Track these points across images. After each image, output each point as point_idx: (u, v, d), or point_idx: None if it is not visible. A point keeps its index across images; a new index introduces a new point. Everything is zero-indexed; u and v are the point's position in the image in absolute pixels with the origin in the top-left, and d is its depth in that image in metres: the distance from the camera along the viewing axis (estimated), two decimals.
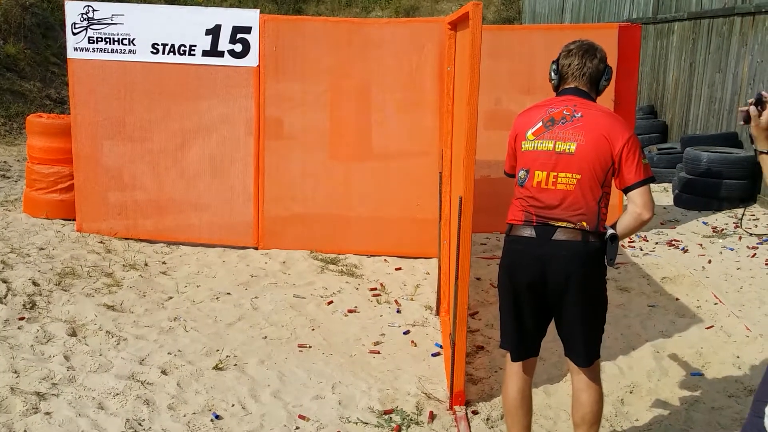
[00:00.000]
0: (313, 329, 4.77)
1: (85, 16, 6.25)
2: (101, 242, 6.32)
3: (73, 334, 4.45)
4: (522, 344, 3.11)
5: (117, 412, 3.60)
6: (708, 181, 8.18)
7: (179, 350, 4.33)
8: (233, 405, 3.74)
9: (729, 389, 4.03)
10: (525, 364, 3.14)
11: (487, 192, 5.71)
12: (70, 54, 6.34)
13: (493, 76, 6.42)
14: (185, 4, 14.46)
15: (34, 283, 5.16)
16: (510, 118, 3.25)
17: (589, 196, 2.88)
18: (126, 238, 6.43)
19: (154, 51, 6.23)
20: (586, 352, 3.01)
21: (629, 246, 6.73)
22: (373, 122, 6.37)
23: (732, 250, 6.64)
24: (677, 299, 5.42)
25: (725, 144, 8.76)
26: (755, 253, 6.50)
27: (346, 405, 3.77)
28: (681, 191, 8.45)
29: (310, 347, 4.49)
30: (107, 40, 6.25)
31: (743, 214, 7.73)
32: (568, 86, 3.03)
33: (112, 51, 6.26)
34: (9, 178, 8.74)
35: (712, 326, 4.88)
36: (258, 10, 6.26)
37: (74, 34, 6.29)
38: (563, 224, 2.90)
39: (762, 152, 2.62)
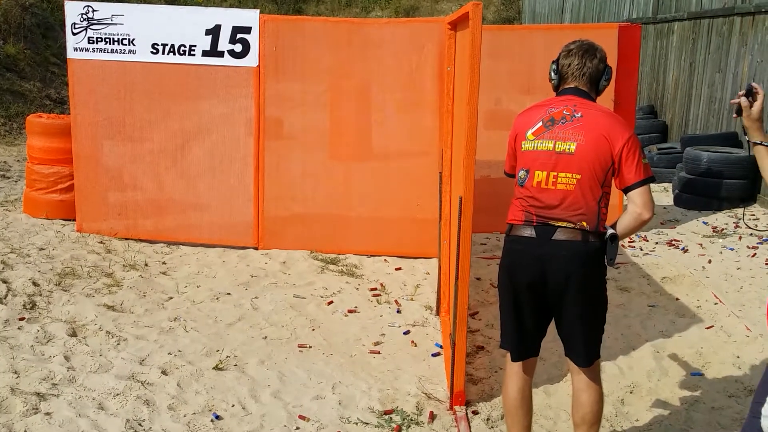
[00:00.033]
0: (313, 329, 4.77)
1: (84, 17, 6.25)
2: (101, 242, 6.32)
3: (74, 334, 4.45)
4: (522, 344, 3.11)
5: (117, 412, 3.60)
6: (708, 181, 8.18)
7: (179, 350, 4.33)
8: (233, 405, 3.74)
9: (729, 389, 4.03)
10: (525, 364, 3.14)
11: (487, 192, 5.72)
12: (70, 54, 6.34)
13: (493, 76, 6.42)
14: (185, 4, 14.46)
15: (34, 284, 5.16)
16: (510, 118, 3.25)
17: (589, 196, 2.87)
18: (126, 238, 6.43)
19: (154, 51, 6.23)
20: (586, 352, 3.01)
21: (629, 246, 6.73)
22: (373, 122, 6.37)
23: (732, 249, 6.64)
24: (677, 299, 5.42)
25: (725, 144, 8.76)
26: (755, 253, 6.50)
27: (346, 405, 3.77)
28: (681, 191, 8.45)
29: (310, 347, 4.49)
30: (107, 40, 6.25)
31: (743, 214, 7.73)
32: (568, 86, 3.03)
33: (112, 51, 6.26)
34: (9, 178, 8.74)
35: (712, 326, 4.88)
36: (258, 10, 6.26)
37: (74, 34, 6.29)
38: (563, 224, 2.90)
39: (756, 143, 2.63)
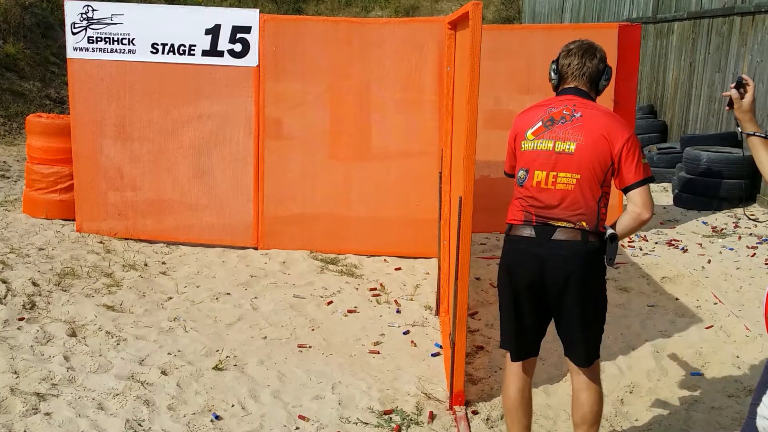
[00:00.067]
0: (312, 329, 4.77)
1: (84, 16, 6.25)
2: (101, 242, 6.32)
3: (73, 334, 4.45)
4: (522, 344, 3.11)
5: (117, 412, 3.60)
6: (708, 181, 8.18)
7: (179, 350, 4.33)
8: (233, 405, 3.74)
9: (728, 389, 4.03)
10: (525, 364, 3.14)
11: (487, 192, 5.72)
12: (70, 54, 6.34)
13: (493, 75, 6.42)
14: (185, 4, 14.45)
15: (34, 284, 5.15)
16: (510, 118, 3.25)
17: (588, 196, 2.87)
18: (126, 239, 6.43)
19: (154, 51, 6.23)
20: (585, 352, 3.01)
21: (629, 246, 6.73)
22: (373, 122, 6.37)
23: (732, 249, 6.64)
24: (677, 299, 5.42)
25: (725, 144, 8.76)
26: (755, 253, 6.50)
27: (345, 405, 3.77)
28: (681, 191, 8.45)
29: (309, 347, 4.49)
30: (107, 39, 6.25)
31: (745, 212, 7.73)
32: (567, 86, 3.03)
33: (112, 51, 6.26)
34: (8, 178, 8.74)
35: (712, 326, 4.88)
36: (258, 10, 6.26)
37: (74, 33, 6.28)
38: (563, 224, 2.90)
39: (749, 134, 2.64)
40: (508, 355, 3.15)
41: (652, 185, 2.92)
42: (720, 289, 5.56)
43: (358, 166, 6.39)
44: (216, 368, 4.12)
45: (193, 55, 6.21)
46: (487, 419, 3.68)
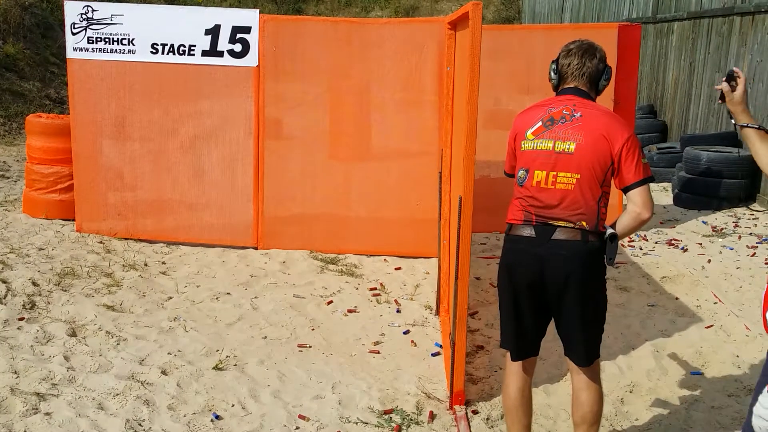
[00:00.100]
0: (312, 329, 4.77)
1: (84, 16, 6.25)
2: (101, 242, 6.32)
3: (73, 334, 4.45)
4: (522, 344, 3.11)
5: (117, 412, 3.60)
6: (708, 181, 8.18)
7: (179, 350, 4.33)
8: (233, 405, 3.74)
9: (729, 388, 4.04)
10: (525, 364, 3.14)
11: (487, 192, 5.71)
12: (70, 54, 6.34)
13: (493, 75, 6.42)
14: (185, 4, 14.45)
15: (34, 284, 5.15)
16: (509, 118, 3.25)
17: (588, 196, 2.88)
18: (126, 238, 6.43)
19: (154, 51, 6.23)
20: (585, 352, 3.01)
21: (629, 245, 6.73)
22: (373, 122, 6.37)
23: (731, 249, 6.64)
24: (677, 298, 5.42)
25: (725, 143, 8.76)
26: (755, 253, 6.50)
27: (346, 405, 3.77)
28: (681, 191, 8.45)
29: (309, 347, 4.49)
30: (107, 40, 6.25)
31: (750, 207, 7.74)
32: (567, 86, 3.03)
33: (112, 51, 6.26)
34: (8, 178, 8.74)
35: (712, 325, 4.88)
36: (257, 10, 6.26)
37: (73, 34, 6.29)
38: (563, 224, 2.90)
39: (743, 126, 2.66)
40: (508, 354, 3.15)
41: (652, 185, 2.93)
42: (720, 289, 5.56)
43: (358, 166, 6.39)
44: (216, 368, 4.12)
45: (193, 55, 6.21)
46: (488, 419, 3.68)
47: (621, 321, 4.94)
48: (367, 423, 3.61)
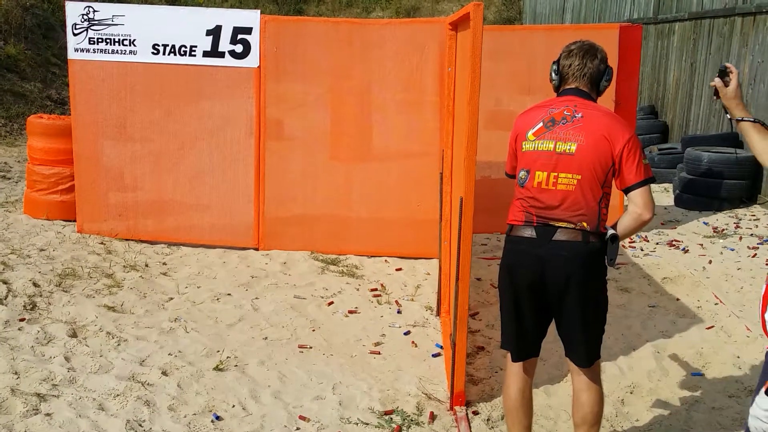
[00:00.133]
0: (313, 330, 4.77)
1: (85, 17, 6.25)
2: (102, 243, 6.32)
3: (74, 335, 4.45)
4: (522, 344, 3.11)
5: (117, 413, 3.60)
6: (709, 182, 8.18)
7: (180, 351, 4.33)
8: (234, 406, 3.74)
9: (729, 389, 4.03)
10: (525, 365, 3.14)
11: (488, 192, 5.71)
12: (71, 55, 6.34)
13: (494, 76, 6.42)
14: (186, 5, 14.47)
15: (35, 284, 5.16)
16: (511, 119, 3.25)
17: (589, 197, 2.87)
18: (127, 239, 6.43)
19: (155, 52, 6.23)
20: (586, 353, 3.01)
21: (630, 246, 6.73)
22: (374, 123, 6.37)
23: (732, 250, 6.64)
24: (678, 299, 5.42)
25: (726, 144, 8.76)
26: (756, 254, 6.50)
27: (346, 405, 3.77)
28: (682, 191, 8.45)
29: (310, 348, 4.49)
30: (108, 40, 6.25)
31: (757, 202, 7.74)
32: (568, 87, 3.03)
33: (113, 52, 6.26)
34: (9, 179, 8.75)
35: (713, 326, 4.88)
36: (259, 11, 6.26)
37: (75, 34, 6.29)
38: (564, 224, 2.90)
39: (738, 120, 2.67)
40: (509, 355, 3.15)
41: (653, 186, 2.92)
42: (721, 290, 5.55)
43: (359, 166, 6.40)
44: (217, 369, 4.12)
45: (194, 56, 6.21)
46: (488, 420, 3.68)
47: (622, 322, 4.94)
48: (367, 424, 3.60)
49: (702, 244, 6.87)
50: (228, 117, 6.33)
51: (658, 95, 11.53)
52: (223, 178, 6.39)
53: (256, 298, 5.28)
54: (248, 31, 6.14)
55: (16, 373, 3.89)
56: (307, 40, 6.18)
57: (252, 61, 6.18)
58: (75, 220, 6.60)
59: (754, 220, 7.75)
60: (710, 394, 3.99)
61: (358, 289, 5.55)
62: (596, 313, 3.01)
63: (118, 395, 3.75)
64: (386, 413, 3.70)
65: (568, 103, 2.97)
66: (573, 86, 3.01)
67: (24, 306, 4.79)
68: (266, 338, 4.61)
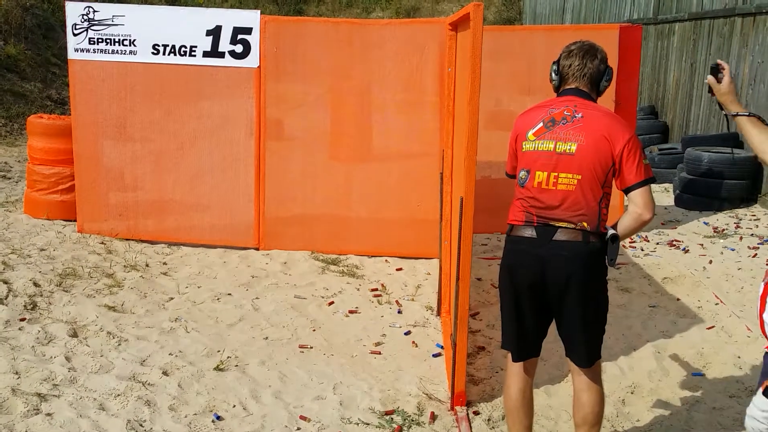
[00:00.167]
0: (314, 330, 4.77)
1: (85, 17, 6.25)
2: (102, 243, 6.32)
3: (74, 335, 4.46)
4: (523, 344, 3.11)
5: (118, 413, 3.60)
6: (709, 182, 8.18)
7: (180, 351, 4.33)
8: (234, 406, 3.74)
9: (730, 389, 4.03)
10: (526, 365, 3.14)
11: (488, 192, 5.71)
12: (71, 55, 6.34)
13: (494, 76, 6.42)
14: (186, 5, 14.47)
15: (35, 284, 5.16)
16: (511, 119, 3.25)
17: (589, 197, 2.88)
18: (127, 239, 6.43)
19: (155, 52, 6.23)
20: (587, 353, 3.01)
21: (630, 246, 6.73)
22: (374, 123, 6.37)
23: (733, 250, 6.64)
24: (678, 299, 5.42)
25: (726, 144, 8.76)
26: (756, 254, 6.50)
27: (347, 406, 3.78)
28: (682, 191, 8.45)
29: (311, 348, 4.49)
30: (108, 41, 6.25)
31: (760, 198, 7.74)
32: (568, 87, 3.03)
33: (113, 52, 6.26)
34: (10, 179, 8.75)
35: (713, 326, 4.88)
36: (259, 11, 6.27)
37: (75, 35, 6.29)
38: (564, 225, 2.90)
39: (734, 115, 2.69)
40: (509, 355, 3.15)
41: (653, 186, 2.92)
42: (721, 290, 5.56)
43: (359, 167, 6.40)
44: (217, 369, 4.12)
45: (194, 56, 6.21)
46: (489, 420, 3.69)
47: (622, 322, 4.94)
48: (368, 424, 3.61)
49: (702, 244, 6.87)
50: (228, 117, 6.33)
51: (658, 95, 11.53)
52: (223, 178, 6.40)
53: (257, 298, 5.28)
54: (248, 31, 6.14)
55: (16, 372, 3.89)
56: (307, 41, 6.18)
57: (252, 61, 6.18)
58: (75, 220, 6.60)
59: (755, 220, 7.76)
60: (711, 394, 3.99)
61: (358, 289, 5.55)
62: (597, 313, 3.01)
63: (118, 395, 3.75)
64: (387, 413, 3.70)
65: (568, 103, 2.97)
66: (573, 86, 3.01)
67: (24, 306, 4.79)
68: (267, 338, 4.61)
